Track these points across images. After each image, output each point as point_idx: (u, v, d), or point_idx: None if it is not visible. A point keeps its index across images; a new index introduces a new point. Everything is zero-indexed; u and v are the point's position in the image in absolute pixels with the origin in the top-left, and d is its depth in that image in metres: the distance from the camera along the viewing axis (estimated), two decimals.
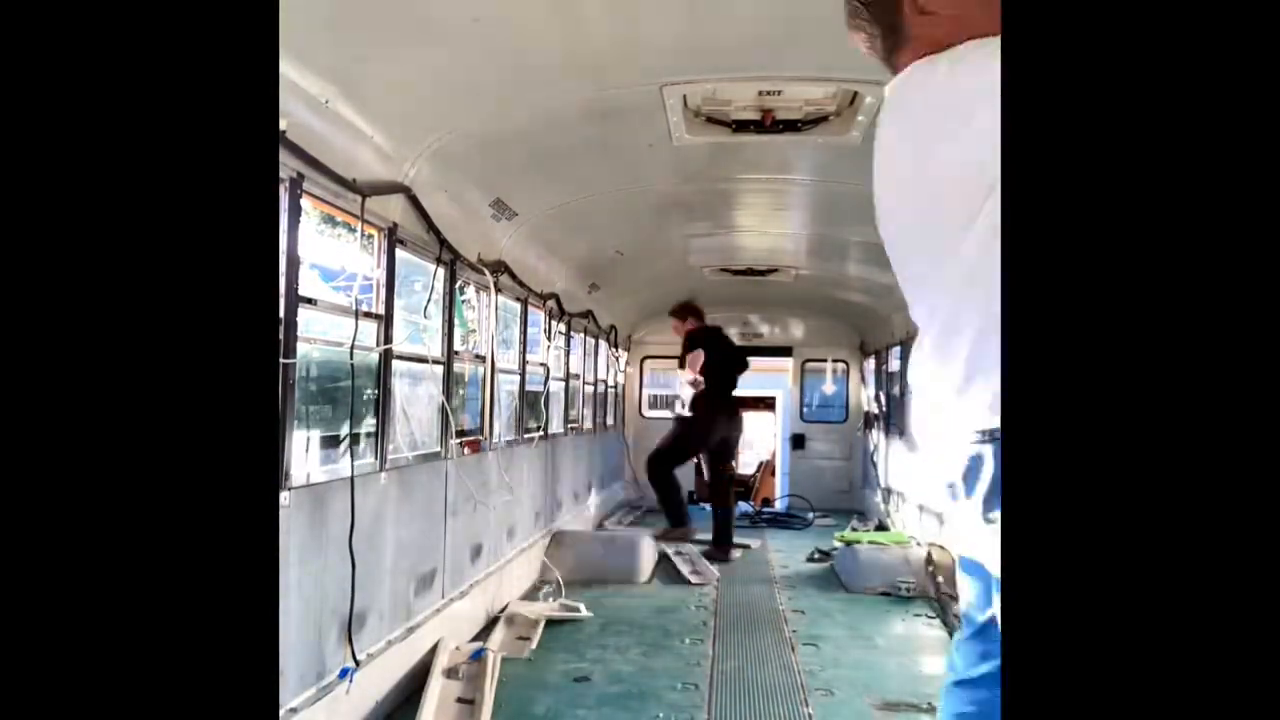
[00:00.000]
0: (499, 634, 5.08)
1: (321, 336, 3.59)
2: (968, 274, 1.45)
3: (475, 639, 4.97)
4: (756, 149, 4.73)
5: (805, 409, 11.88)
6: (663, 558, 7.41)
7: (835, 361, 11.64)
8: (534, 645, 4.93)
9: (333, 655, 3.50)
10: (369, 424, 3.93)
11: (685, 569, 7.17)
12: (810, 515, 10.19)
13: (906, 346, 8.99)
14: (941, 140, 1.47)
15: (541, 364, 7.20)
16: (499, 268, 5.48)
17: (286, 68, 2.87)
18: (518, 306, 6.38)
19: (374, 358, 3.91)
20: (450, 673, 4.29)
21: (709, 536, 8.00)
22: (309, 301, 3.29)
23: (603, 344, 9.82)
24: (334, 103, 3.22)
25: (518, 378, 6.48)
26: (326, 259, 4.32)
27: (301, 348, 3.26)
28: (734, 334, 11.58)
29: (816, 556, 7.81)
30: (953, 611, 5.85)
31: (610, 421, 10.36)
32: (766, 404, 13.52)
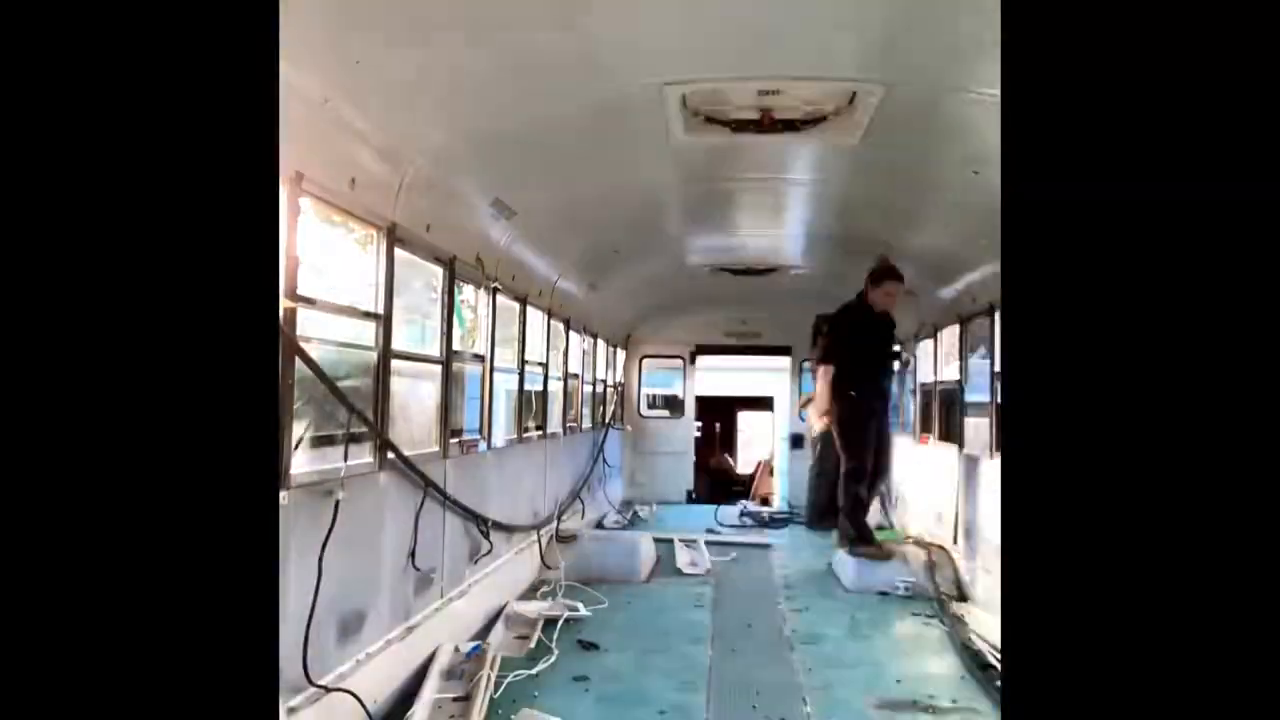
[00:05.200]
0: (498, 633, 5.08)
1: (318, 335, 3.58)
2: None
3: (474, 638, 4.97)
4: (755, 148, 4.72)
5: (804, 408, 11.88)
6: (662, 555, 7.43)
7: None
8: (532, 644, 4.92)
9: (330, 655, 3.50)
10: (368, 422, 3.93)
11: (684, 560, 7.22)
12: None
13: (905, 346, 9.00)
14: None
15: (540, 363, 7.20)
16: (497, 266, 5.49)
17: (286, 68, 2.86)
18: (516, 306, 6.37)
19: (372, 356, 3.91)
20: (447, 671, 4.29)
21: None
22: (308, 301, 3.29)
23: (601, 343, 9.82)
24: (334, 102, 3.22)
25: (516, 377, 6.48)
26: (327, 257, 4.33)
27: (304, 347, 3.25)
28: (732, 333, 11.64)
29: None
30: (950, 611, 5.86)
31: (609, 420, 10.37)
32: (764, 403, 13.52)
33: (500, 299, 5.77)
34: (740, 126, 4.34)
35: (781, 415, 12.24)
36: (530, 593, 6.21)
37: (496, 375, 5.86)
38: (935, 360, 7.90)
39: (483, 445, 5.54)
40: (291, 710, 3.11)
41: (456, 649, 4.56)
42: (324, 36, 2.90)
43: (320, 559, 3.26)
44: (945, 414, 7.65)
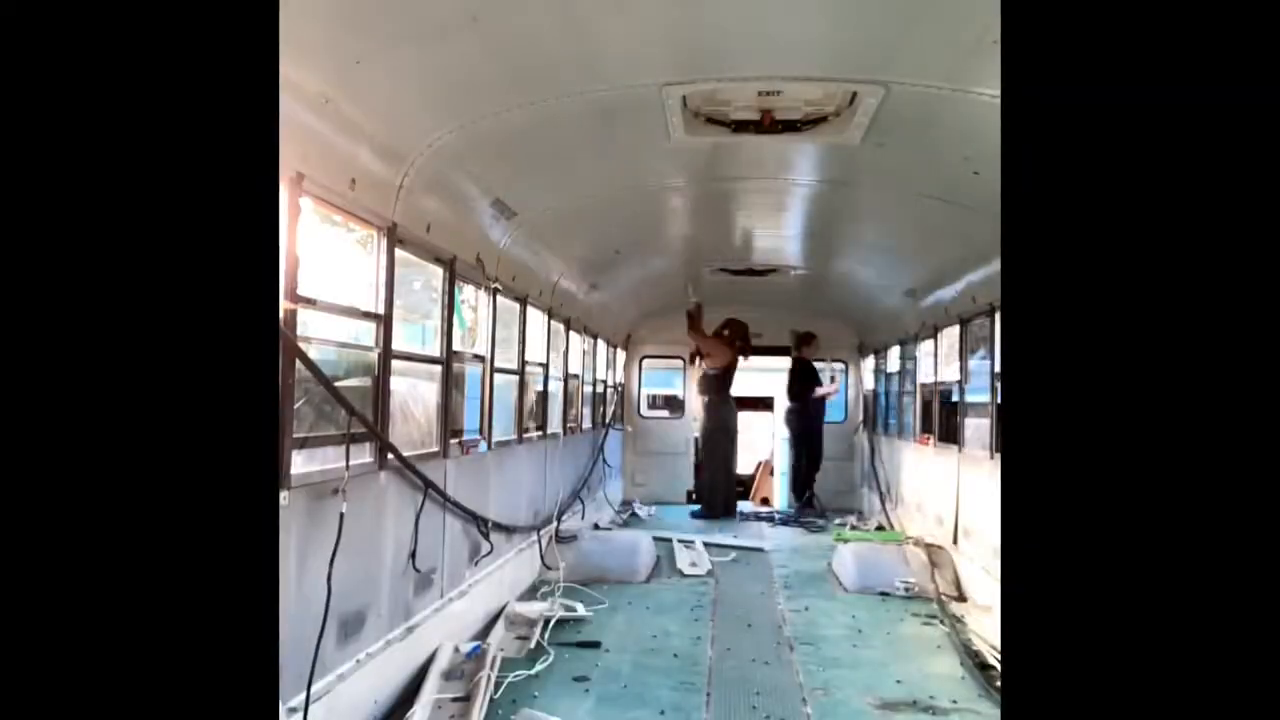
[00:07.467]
0: (498, 633, 5.08)
1: (318, 336, 3.58)
2: None
3: (474, 639, 4.97)
4: (756, 149, 4.73)
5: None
6: (661, 555, 7.43)
7: (834, 361, 11.61)
8: (532, 644, 4.93)
9: (334, 652, 3.50)
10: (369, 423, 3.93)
11: (684, 560, 7.25)
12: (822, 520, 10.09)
13: (906, 345, 8.99)
14: None
15: (540, 364, 7.20)
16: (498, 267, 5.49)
17: (286, 67, 2.86)
18: (516, 306, 6.37)
19: (371, 357, 3.91)
20: (447, 671, 4.29)
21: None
22: (309, 301, 3.29)
23: (601, 343, 9.82)
24: (334, 102, 3.22)
25: (516, 377, 6.48)
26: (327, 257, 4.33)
27: (304, 348, 3.25)
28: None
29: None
30: (950, 611, 5.86)
31: (609, 420, 10.37)
32: (764, 404, 13.50)
33: (500, 299, 5.77)
34: (740, 127, 4.34)
35: (782, 416, 12.20)
36: (530, 593, 6.21)
37: (496, 375, 5.86)
38: (935, 361, 7.90)
39: (483, 445, 5.54)
40: (292, 710, 3.11)
41: (456, 649, 4.56)
42: (324, 36, 2.90)
43: (330, 566, 3.27)
44: (945, 415, 7.65)
